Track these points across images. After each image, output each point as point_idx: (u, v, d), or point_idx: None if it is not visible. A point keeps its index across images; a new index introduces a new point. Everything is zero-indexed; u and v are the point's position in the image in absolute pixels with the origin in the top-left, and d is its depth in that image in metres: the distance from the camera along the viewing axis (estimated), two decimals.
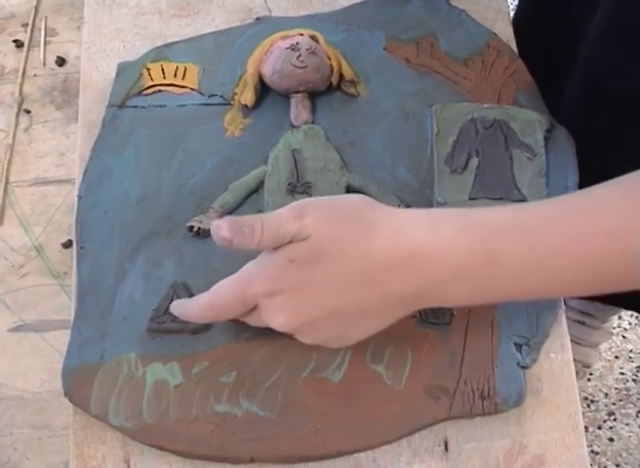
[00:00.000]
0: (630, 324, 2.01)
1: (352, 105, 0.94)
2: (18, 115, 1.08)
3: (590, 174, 0.89)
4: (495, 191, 0.87)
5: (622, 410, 1.91)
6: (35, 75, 1.11)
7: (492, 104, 0.91)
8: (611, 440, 1.89)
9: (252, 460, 0.79)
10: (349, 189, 0.88)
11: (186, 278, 0.86)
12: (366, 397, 0.80)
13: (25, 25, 1.14)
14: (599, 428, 1.89)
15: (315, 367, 0.81)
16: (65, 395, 0.82)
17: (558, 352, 0.84)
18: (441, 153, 0.89)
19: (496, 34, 0.97)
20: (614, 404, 1.92)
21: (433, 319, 0.83)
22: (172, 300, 0.83)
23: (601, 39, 0.86)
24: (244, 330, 0.83)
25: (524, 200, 0.86)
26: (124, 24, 1.02)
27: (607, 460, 1.87)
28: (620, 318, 2.00)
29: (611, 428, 1.90)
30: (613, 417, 1.91)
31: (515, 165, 0.88)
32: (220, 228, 0.71)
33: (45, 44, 1.12)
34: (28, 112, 1.08)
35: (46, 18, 1.14)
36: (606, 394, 1.93)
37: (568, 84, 0.96)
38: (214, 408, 0.80)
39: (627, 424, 1.90)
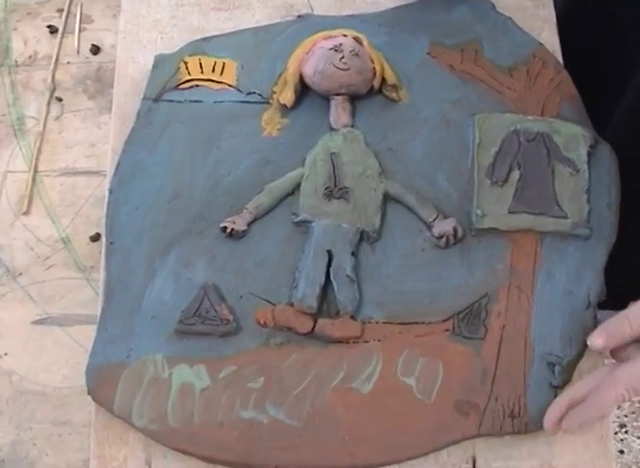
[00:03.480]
0: None
1: (393, 110, 0.92)
2: (49, 103, 1.07)
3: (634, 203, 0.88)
4: (535, 206, 0.85)
5: (634, 423, 1.90)
6: (68, 63, 1.10)
7: (536, 116, 0.89)
8: (621, 452, 1.88)
9: None
10: (387, 197, 0.87)
11: (217, 280, 0.84)
12: (395, 409, 0.79)
13: (60, 11, 1.13)
14: None
15: (345, 376, 0.80)
16: (89, 393, 0.81)
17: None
18: (482, 164, 0.87)
19: (542, 44, 0.95)
20: (626, 416, 1.91)
21: (467, 333, 0.82)
22: (202, 302, 0.82)
23: None
24: (274, 335, 0.82)
25: (564, 216, 0.84)
26: (162, 15, 1.01)
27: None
28: None
29: (622, 440, 1.89)
30: (624, 430, 1.90)
31: (557, 180, 0.86)
32: (592, 340, 0.78)
33: (79, 31, 1.11)
34: (60, 100, 1.07)
35: (81, 4, 1.13)
36: (618, 406, 1.92)
37: (620, 106, 0.94)
38: (240, 413, 0.79)
39: (638, 437, 1.89)
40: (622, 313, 0.77)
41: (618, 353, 0.79)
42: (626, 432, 1.89)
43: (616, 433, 1.89)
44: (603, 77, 0.95)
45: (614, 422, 1.89)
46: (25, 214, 1.00)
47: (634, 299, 0.85)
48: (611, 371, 0.76)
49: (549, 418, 0.78)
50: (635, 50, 0.89)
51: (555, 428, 0.78)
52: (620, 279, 0.85)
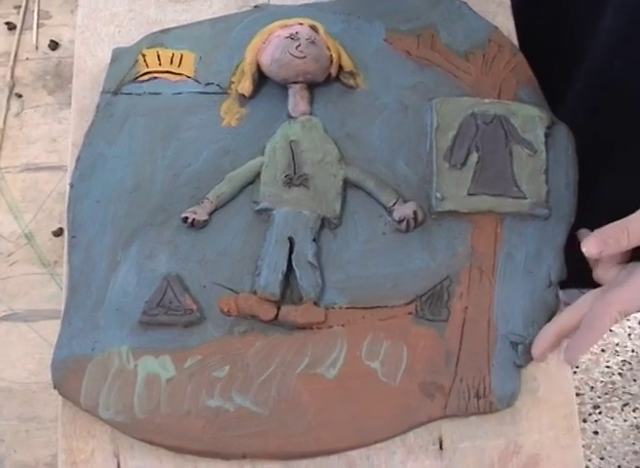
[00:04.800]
0: None
1: (351, 97, 0.92)
2: (9, 99, 1.06)
3: (591, 178, 0.88)
4: (494, 187, 0.86)
5: (608, 404, 1.91)
6: (27, 59, 1.09)
7: (492, 99, 0.90)
8: (595, 433, 1.89)
9: (244, 456, 0.78)
10: (347, 182, 0.87)
11: (180, 270, 0.84)
12: (361, 394, 0.80)
13: (18, 7, 1.12)
14: (584, 421, 1.89)
15: (310, 362, 0.81)
16: (55, 387, 0.81)
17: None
18: (440, 147, 0.88)
19: (497, 28, 0.96)
20: (599, 397, 1.92)
21: (430, 316, 0.82)
22: (165, 293, 0.82)
23: (617, 46, 0.84)
24: (238, 323, 0.82)
25: (523, 197, 0.85)
26: (119, 9, 1.00)
27: (591, 453, 1.87)
28: None
29: (596, 421, 1.90)
30: (598, 411, 1.91)
31: (515, 161, 0.87)
32: (587, 246, 0.77)
33: (38, 27, 1.11)
34: (20, 96, 1.07)
35: (39, 0, 1.12)
36: (592, 387, 1.93)
37: (573, 85, 0.94)
38: (206, 402, 0.79)
39: (612, 418, 1.90)
40: (622, 222, 0.77)
41: (602, 274, 0.81)
42: (600, 413, 1.91)
43: (590, 414, 1.90)
44: (556, 59, 0.95)
45: (587, 404, 1.90)
46: None
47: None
48: (599, 297, 0.78)
49: (539, 346, 0.80)
50: (585, 30, 0.90)
51: (543, 356, 0.80)
52: (580, 257, 0.86)
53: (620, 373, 1.95)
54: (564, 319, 0.80)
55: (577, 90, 0.93)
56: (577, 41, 0.91)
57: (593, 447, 1.88)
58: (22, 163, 1.03)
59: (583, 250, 0.77)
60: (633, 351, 1.98)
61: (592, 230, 0.80)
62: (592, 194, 0.88)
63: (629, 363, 1.96)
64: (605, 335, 1.99)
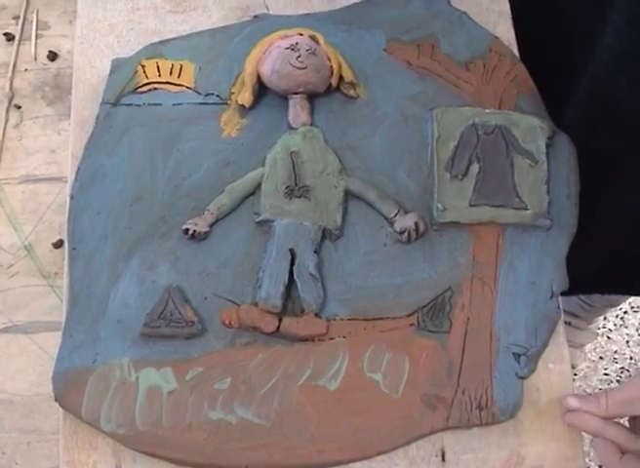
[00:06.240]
0: (615, 325, 2.01)
1: (351, 108, 0.92)
2: (8, 111, 1.06)
3: (592, 190, 0.88)
4: (495, 198, 0.86)
5: None
6: (26, 70, 1.09)
7: (493, 109, 0.90)
8: None
9: None
10: (348, 194, 0.87)
11: (181, 282, 0.84)
12: (363, 406, 0.79)
13: (16, 18, 1.12)
14: None
15: (312, 374, 0.80)
16: (56, 399, 0.80)
17: (557, 362, 0.84)
18: (441, 158, 0.88)
19: (497, 38, 0.96)
20: None
21: (432, 327, 0.82)
22: (166, 305, 0.82)
23: (618, 64, 0.84)
24: (240, 335, 0.82)
25: (525, 208, 0.85)
26: (118, 20, 1.00)
27: (590, 461, 1.86)
28: (605, 319, 2.00)
29: None
30: None
31: (516, 172, 0.87)
32: (569, 400, 0.80)
33: (36, 38, 1.11)
34: (19, 108, 1.06)
35: (37, 10, 1.12)
36: (590, 395, 1.92)
37: (573, 99, 0.94)
38: (208, 414, 0.79)
39: None
40: (604, 390, 0.79)
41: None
42: None
43: None
44: (556, 69, 0.95)
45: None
46: None
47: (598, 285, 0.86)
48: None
49: (580, 421, 0.80)
50: (586, 44, 0.89)
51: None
52: (581, 267, 0.86)
53: (618, 381, 1.95)
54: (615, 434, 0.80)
55: (576, 104, 0.93)
56: (576, 53, 0.91)
57: (592, 454, 1.87)
58: (22, 174, 1.02)
59: (563, 401, 0.80)
60: (631, 358, 1.97)
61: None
62: (594, 207, 0.88)
63: (627, 370, 1.96)
64: (603, 343, 1.99)
